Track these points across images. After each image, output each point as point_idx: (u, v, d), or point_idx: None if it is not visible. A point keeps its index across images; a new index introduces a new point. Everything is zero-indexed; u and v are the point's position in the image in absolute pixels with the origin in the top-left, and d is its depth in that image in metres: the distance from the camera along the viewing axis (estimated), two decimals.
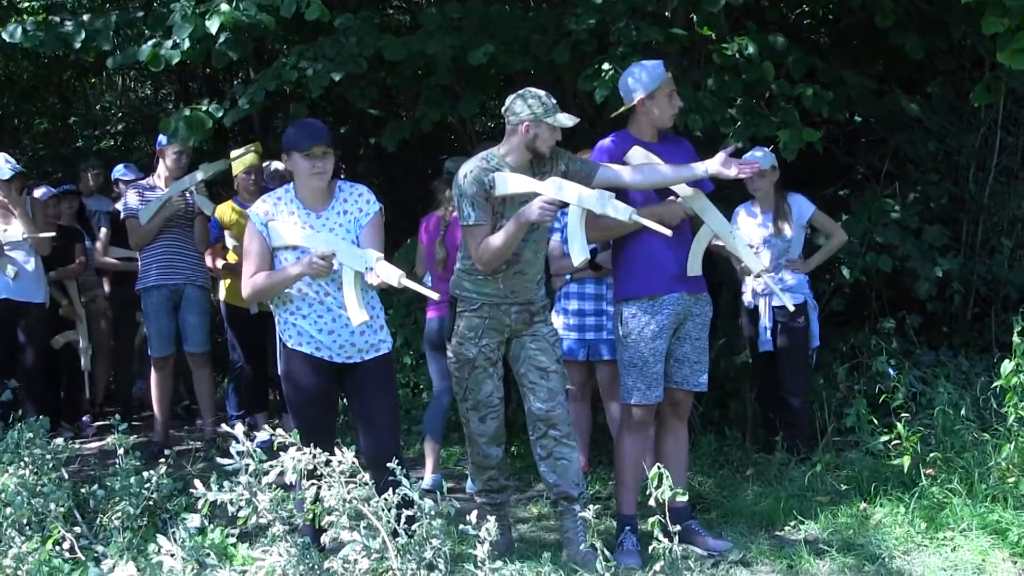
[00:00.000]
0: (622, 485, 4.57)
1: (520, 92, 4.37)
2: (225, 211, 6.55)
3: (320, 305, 4.13)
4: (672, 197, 4.51)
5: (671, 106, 4.54)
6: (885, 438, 5.23)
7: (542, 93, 4.34)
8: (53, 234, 6.65)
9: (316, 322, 4.15)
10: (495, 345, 4.44)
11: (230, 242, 6.56)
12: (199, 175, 6.48)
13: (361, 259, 3.99)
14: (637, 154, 4.48)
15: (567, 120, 4.29)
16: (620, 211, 4.17)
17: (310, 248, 4.06)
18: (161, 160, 6.66)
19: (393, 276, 3.94)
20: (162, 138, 6.59)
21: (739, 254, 4.63)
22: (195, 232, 6.58)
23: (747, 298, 5.99)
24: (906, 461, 4.87)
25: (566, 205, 4.27)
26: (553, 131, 4.31)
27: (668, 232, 4.19)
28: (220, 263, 6.66)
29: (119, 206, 7.35)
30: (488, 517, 3.34)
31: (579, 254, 4.24)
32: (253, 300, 4.32)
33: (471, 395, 4.44)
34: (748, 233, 5.77)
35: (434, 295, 4.15)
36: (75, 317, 7.20)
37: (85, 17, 6.12)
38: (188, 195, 6.49)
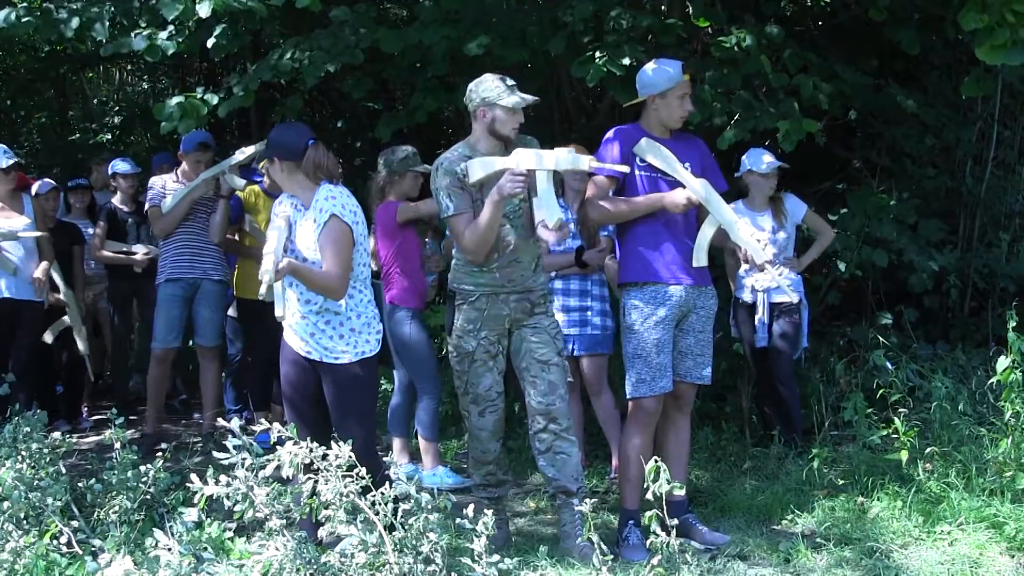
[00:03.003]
0: (627, 480, 4.56)
1: (479, 78, 4.42)
2: (249, 195, 6.53)
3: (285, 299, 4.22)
4: (680, 187, 4.51)
5: (681, 108, 4.54)
6: (882, 432, 5.23)
7: (498, 76, 4.39)
8: (45, 234, 6.60)
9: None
10: (495, 338, 4.43)
11: (249, 225, 6.53)
12: (233, 160, 6.44)
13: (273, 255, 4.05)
14: (645, 145, 4.48)
15: (520, 100, 4.31)
16: (581, 162, 4.27)
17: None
18: (183, 163, 6.66)
19: (265, 275, 3.96)
20: (187, 139, 6.57)
21: (744, 245, 4.58)
22: (214, 219, 6.48)
23: (744, 295, 5.99)
24: (903, 455, 4.88)
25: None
26: (512, 113, 4.34)
27: (626, 169, 4.33)
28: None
29: (116, 200, 7.34)
30: (486, 511, 3.34)
31: (553, 214, 4.24)
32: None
33: (471, 389, 4.45)
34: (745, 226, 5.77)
35: (280, 314, 4.16)
36: (63, 303, 7.07)
37: (77, 5, 6.08)
38: (220, 179, 6.43)
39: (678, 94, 4.52)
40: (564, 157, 4.25)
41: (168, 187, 6.55)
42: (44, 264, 6.56)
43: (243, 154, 6.36)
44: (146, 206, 6.68)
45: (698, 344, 4.57)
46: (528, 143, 4.45)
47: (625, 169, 4.31)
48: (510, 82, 4.38)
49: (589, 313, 5.57)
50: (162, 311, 6.58)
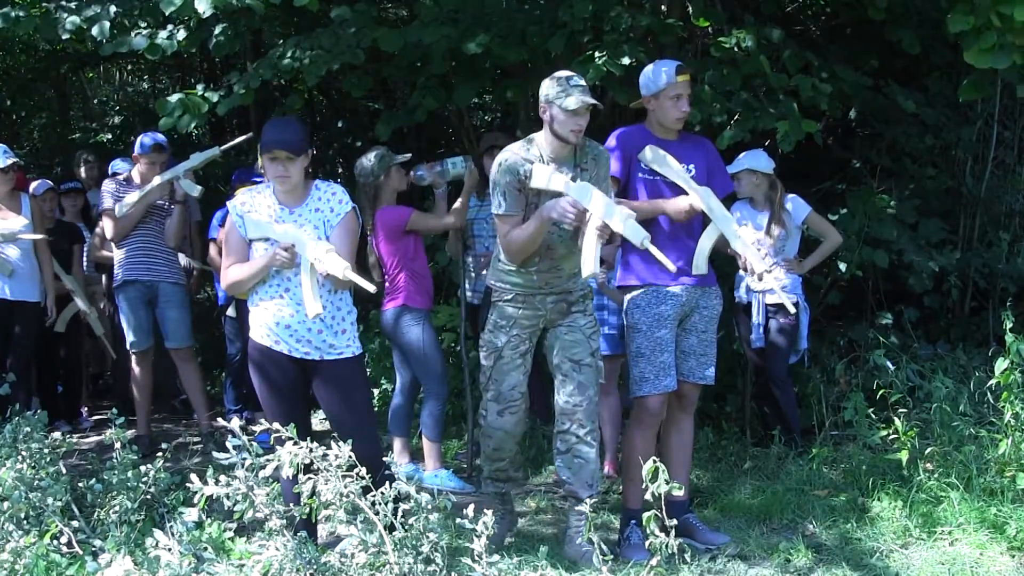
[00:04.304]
0: (630, 480, 4.55)
1: (553, 74, 4.29)
2: None
3: (280, 299, 4.12)
4: (683, 194, 4.49)
5: (675, 110, 4.47)
6: (883, 432, 5.23)
7: (565, 75, 4.25)
8: (43, 236, 6.59)
9: (275, 315, 4.13)
10: (526, 336, 4.40)
11: None
12: (187, 164, 6.41)
13: (314, 250, 3.98)
14: (650, 152, 4.46)
15: (579, 102, 4.13)
16: (635, 235, 4.07)
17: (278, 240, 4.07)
18: (137, 164, 6.60)
19: (338, 267, 3.92)
20: (143, 141, 6.55)
21: (744, 254, 4.51)
22: (169, 223, 6.47)
23: (741, 294, 5.99)
24: (904, 455, 4.88)
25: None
26: (571, 115, 4.16)
27: (673, 268, 4.15)
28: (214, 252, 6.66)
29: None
30: (486, 510, 3.34)
31: (589, 268, 4.09)
32: (231, 292, 4.32)
33: (493, 385, 4.41)
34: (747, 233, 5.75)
35: (371, 287, 4.06)
36: (68, 289, 6.97)
37: (74, 4, 6.08)
38: (175, 184, 6.39)
39: (671, 95, 4.46)
40: (624, 222, 4.07)
41: (122, 190, 6.46)
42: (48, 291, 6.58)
43: (198, 159, 6.35)
44: (101, 208, 6.60)
45: (701, 344, 4.55)
46: (599, 154, 4.35)
47: (672, 267, 4.17)
48: (576, 82, 4.21)
49: (606, 312, 5.56)
50: (130, 316, 6.53)
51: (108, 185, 6.55)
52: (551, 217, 4.12)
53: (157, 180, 6.36)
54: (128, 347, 6.66)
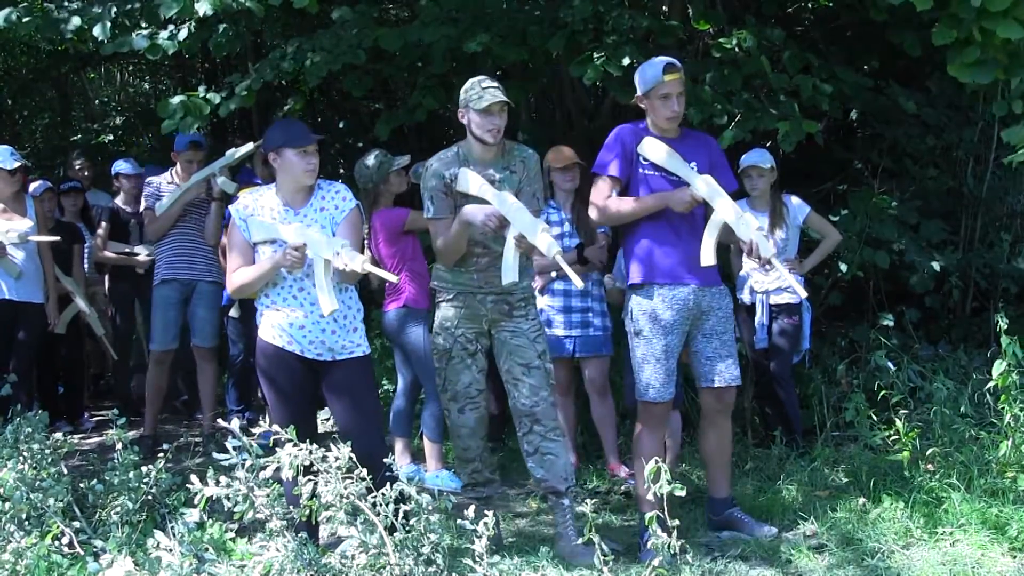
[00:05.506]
0: (642, 484, 4.53)
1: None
2: None
3: (294, 300, 4.11)
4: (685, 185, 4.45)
5: (666, 109, 4.42)
6: (884, 433, 5.23)
7: (480, 79, 4.35)
8: (57, 238, 6.61)
9: (288, 315, 4.11)
10: (472, 336, 4.45)
11: None
12: (224, 161, 6.42)
13: (329, 246, 3.96)
14: (649, 145, 4.45)
15: (489, 100, 4.23)
16: (547, 247, 4.10)
17: (286, 241, 4.05)
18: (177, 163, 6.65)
19: (357, 261, 3.90)
20: (179, 139, 6.55)
21: (751, 239, 4.34)
22: (208, 220, 6.50)
23: (744, 296, 5.99)
24: (905, 456, 4.88)
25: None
26: (484, 114, 4.27)
27: (580, 283, 4.15)
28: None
29: (119, 201, 7.35)
30: (485, 512, 3.34)
31: (509, 277, 4.20)
32: (238, 295, 4.33)
33: (450, 386, 4.48)
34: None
35: (394, 278, 4.11)
36: (67, 290, 6.97)
37: (76, 4, 6.08)
38: (212, 181, 6.40)
39: (660, 94, 4.41)
40: (536, 232, 4.10)
41: (163, 188, 6.53)
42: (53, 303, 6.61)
43: (234, 155, 6.35)
44: (142, 207, 6.67)
45: (724, 346, 4.50)
46: (528, 157, 4.43)
47: (580, 283, 4.17)
48: (487, 84, 4.31)
49: (590, 314, 5.58)
50: (159, 313, 6.56)
51: (148, 186, 6.60)
52: (470, 223, 4.21)
53: (195, 179, 6.39)
54: (149, 346, 6.68)
